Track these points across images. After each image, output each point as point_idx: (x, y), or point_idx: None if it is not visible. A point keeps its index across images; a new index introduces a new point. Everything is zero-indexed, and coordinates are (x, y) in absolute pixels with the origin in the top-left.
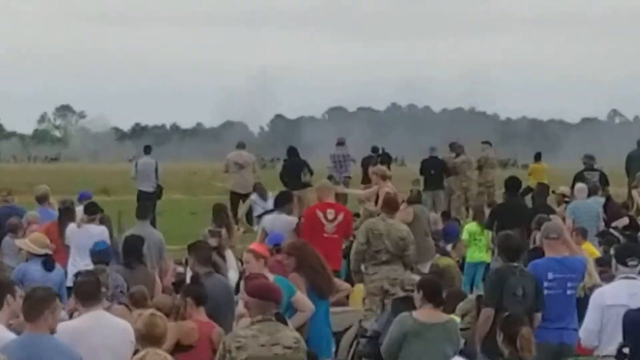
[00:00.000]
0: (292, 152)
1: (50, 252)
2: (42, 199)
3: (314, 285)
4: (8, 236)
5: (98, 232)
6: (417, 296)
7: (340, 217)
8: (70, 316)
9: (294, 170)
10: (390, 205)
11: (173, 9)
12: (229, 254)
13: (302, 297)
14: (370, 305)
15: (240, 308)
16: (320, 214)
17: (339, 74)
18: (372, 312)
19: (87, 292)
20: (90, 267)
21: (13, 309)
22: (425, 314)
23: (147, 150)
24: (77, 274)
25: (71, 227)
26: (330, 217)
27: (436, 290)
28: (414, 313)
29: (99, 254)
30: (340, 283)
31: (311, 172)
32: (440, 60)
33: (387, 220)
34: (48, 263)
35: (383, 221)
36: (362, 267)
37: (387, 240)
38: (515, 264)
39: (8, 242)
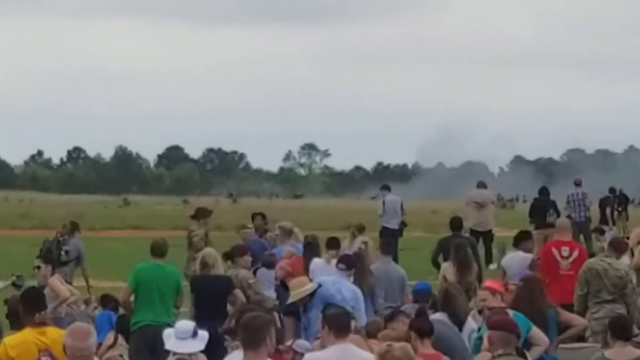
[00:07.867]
0: (543, 191)
1: None
2: (288, 234)
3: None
4: (264, 268)
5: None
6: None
7: (575, 253)
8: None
9: (542, 210)
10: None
11: None
12: None
13: (538, 332)
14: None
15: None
16: (555, 252)
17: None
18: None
19: (340, 324)
20: None
21: None
22: (615, 352)
23: (388, 188)
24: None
25: (315, 262)
26: (565, 254)
27: (625, 326)
28: (606, 352)
29: (418, 294)
30: (572, 317)
31: (558, 213)
32: None
33: (605, 259)
34: None
35: (601, 260)
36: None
37: (606, 279)
38: None
39: (264, 273)
